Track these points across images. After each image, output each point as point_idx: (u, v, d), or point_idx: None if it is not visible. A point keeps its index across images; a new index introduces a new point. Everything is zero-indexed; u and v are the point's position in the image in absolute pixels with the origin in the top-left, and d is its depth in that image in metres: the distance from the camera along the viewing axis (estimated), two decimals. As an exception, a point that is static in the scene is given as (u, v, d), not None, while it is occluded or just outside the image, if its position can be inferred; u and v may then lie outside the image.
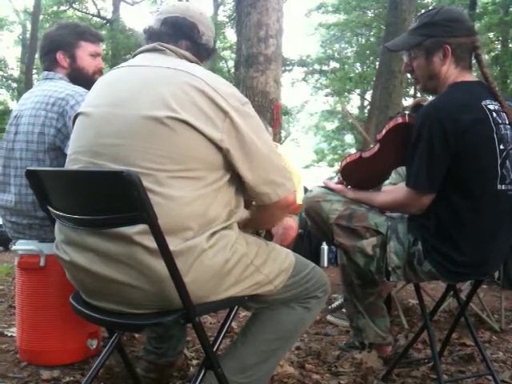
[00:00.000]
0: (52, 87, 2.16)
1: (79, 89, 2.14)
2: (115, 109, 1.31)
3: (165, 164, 1.25)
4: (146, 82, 1.32)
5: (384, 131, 1.87)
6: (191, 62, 1.45)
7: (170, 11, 1.53)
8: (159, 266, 1.21)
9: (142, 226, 1.20)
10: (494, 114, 1.74)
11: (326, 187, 2.12)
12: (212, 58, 1.60)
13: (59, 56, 2.25)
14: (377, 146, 1.89)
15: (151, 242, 1.20)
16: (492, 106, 1.76)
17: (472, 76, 1.87)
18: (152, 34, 1.51)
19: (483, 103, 1.75)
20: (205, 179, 1.29)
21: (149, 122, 1.26)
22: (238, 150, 1.31)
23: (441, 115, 1.70)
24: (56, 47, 2.25)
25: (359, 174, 2.02)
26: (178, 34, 1.50)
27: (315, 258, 5.91)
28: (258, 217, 1.55)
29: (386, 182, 2.67)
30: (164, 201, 1.22)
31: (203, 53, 1.55)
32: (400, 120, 1.83)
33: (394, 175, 2.66)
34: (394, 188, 2.03)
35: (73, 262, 1.33)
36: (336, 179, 2.15)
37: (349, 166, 2.00)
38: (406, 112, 1.89)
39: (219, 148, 1.29)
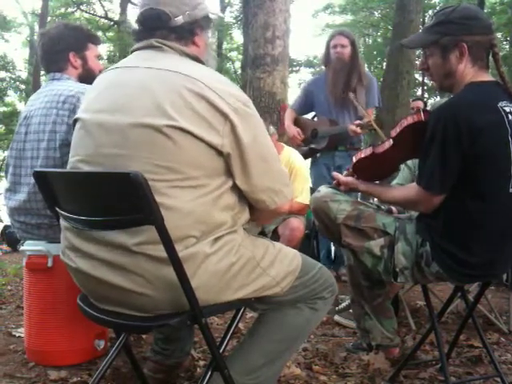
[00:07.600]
0: (61, 86, 2.17)
1: (88, 86, 2.14)
2: (113, 116, 1.28)
3: (164, 174, 1.23)
4: (142, 86, 1.28)
5: (399, 129, 1.84)
6: (190, 56, 1.39)
7: (143, 4, 1.41)
8: (165, 273, 1.21)
9: (142, 237, 1.20)
10: (510, 117, 1.71)
11: (335, 185, 2.10)
12: (205, 29, 1.47)
13: (72, 56, 2.26)
14: (390, 142, 1.86)
15: (154, 251, 1.20)
16: (508, 108, 1.73)
17: (489, 76, 1.83)
18: (133, 34, 1.45)
19: (499, 105, 1.72)
20: (206, 187, 1.27)
21: (147, 130, 1.23)
22: (237, 156, 1.29)
23: (456, 115, 1.67)
24: (67, 47, 2.25)
25: (371, 168, 2.00)
26: (148, 29, 1.41)
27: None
28: (253, 215, 1.49)
29: (394, 182, 2.66)
30: (164, 211, 1.17)
31: (185, 34, 1.42)
32: (416, 119, 1.80)
33: (402, 174, 2.65)
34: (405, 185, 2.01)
35: (79, 268, 1.33)
36: (345, 172, 2.14)
37: (362, 161, 1.97)
38: (421, 109, 1.88)
39: (220, 153, 1.27)
